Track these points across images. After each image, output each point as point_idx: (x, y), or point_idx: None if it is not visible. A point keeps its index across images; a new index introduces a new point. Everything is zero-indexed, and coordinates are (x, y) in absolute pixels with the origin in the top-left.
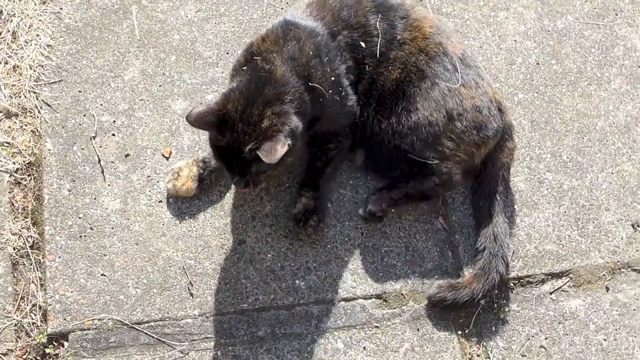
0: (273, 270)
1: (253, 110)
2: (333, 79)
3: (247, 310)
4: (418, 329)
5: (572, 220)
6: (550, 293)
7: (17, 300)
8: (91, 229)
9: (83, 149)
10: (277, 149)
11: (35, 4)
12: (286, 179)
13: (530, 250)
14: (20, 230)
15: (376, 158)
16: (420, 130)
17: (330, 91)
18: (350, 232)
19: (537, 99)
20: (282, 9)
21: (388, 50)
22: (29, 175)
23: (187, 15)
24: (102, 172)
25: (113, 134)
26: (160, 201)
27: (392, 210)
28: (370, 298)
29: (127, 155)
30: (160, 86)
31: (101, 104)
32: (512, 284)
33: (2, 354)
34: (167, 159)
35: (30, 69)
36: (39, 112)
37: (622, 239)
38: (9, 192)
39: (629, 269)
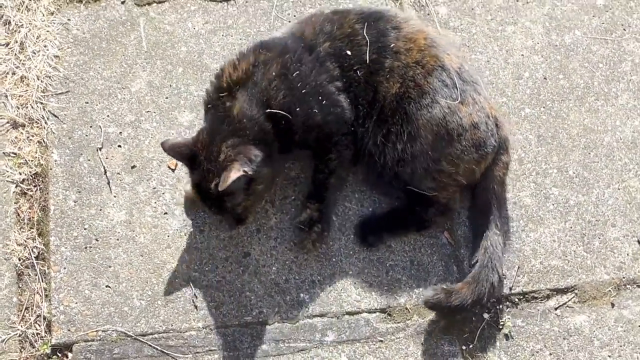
0: (277, 283)
1: (213, 148)
2: (306, 90)
3: (251, 323)
4: (422, 344)
5: (578, 235)
6: (555, 309)
7: (21, 310)
8: (96, 240)
9: (89, 160)
10: (229, 176)
11: (44, 15)
12: (292, 191)
13: (535, 266)
14: (25, 241)
15: (375, 176)
16: (423, 157)
17: (304, 105)
18: (355, 246)
19: (544, 114)
20: (289, 21)
21: (381, 58)
22: (35, 186)
23: (194, 28)
24: (108, 183)
25: (119, 145)
26: (166, 213)
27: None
28: (375, 312)
29: (133, 167)
30: (167, 98)
31: (108, 115)
32: (517, 299)
33: None
34: (173, 170)
35: (38, 79)
36: (45, 122)
37: (627, 255)
38: (15, 203)
39: (635, 286)
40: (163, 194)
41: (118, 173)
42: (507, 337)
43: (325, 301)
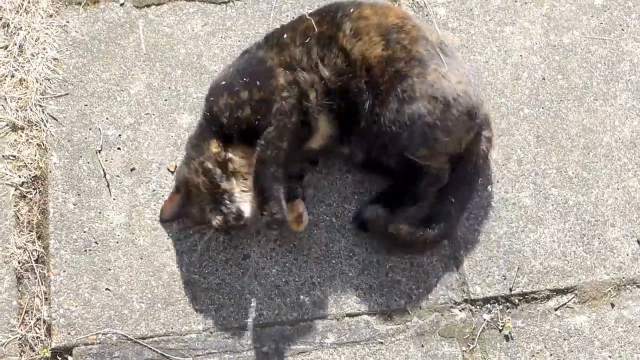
0: (277, 285)
1: None
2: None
3: (251, 325)
4: (422, 345)
5: (578, 236)
6: (555, 309)
7: (21, 314)
8: (96, 243)
9: (88, 162)
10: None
11: (42, 17)
12: None
13: (535, 267)
14: (25, 244)
15: (368, 151)
16: (420, 121)
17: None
18: (354, 248)
19: (542, 114)
20: None
21: (341, 21)
22: (34, 189)
23: (193, 29)
24: (108, 186)
25: (119, 148)
26: None
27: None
28: (375, 314)
29: (132, 169)
30: (166, 100)
31: (107, 118)
32: (517, 300)
33: None
34: (173, 173)
35: (37, 82)
36: (44, 125)
37: (627, 255)
38: (14, 206)
39: (634, 286)
40: (163, 196)
41: (117, 175)
42: (507, 338)
43: (325, 303)
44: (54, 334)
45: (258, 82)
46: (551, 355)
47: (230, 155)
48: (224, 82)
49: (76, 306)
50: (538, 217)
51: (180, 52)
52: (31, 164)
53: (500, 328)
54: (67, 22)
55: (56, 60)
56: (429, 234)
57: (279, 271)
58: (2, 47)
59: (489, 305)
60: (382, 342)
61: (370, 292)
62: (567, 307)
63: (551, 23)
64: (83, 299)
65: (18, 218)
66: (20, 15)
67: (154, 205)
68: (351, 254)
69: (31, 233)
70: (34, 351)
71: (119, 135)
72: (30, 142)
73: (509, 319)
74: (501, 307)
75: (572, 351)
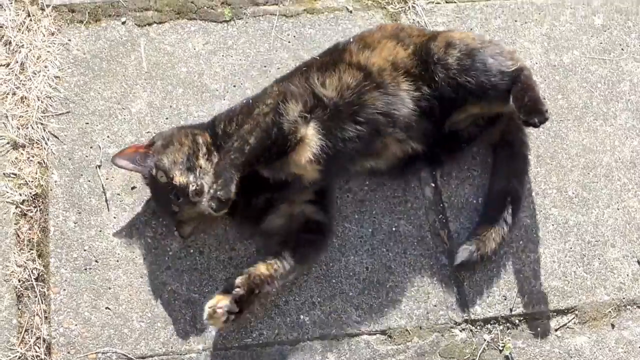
0: (277, 304)
1: None
2: None
3: (251, 345)
4: None
5: (578, 256)
6: (556, 330)
7: (21, 332)
8: (96, 261)
9: (89, 180)
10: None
11: (44, 35)
12: None
13: (535, 287)
14: (25, 262)
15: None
16: (490, 56)
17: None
18: (355, 267)
19: (542, 134)
20: (289, 42)
21: (344, 47)
22: (35, 207)
23: (194, 48)
24: (108, 204)
25: None
26: (166, 234)
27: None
28: (375, 334)
29: (133, 188)
30: (167, 118)
31: (108, 136)
32: (517, 321)
33: None
34: None
35: (38, 100)
36: (46, 143)
37: (627, 275)
38: (14, 224)
39: (635, 306)
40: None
41: (118, 194)
42: (507, 358)
43: (326, 323)
44: (54, 352)
45: (251, 100)
46: None
47: (215, 154)
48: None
49: (76, 325)
50: (538, 237)
51: (181, 71)
52: (32, 182)
53: (501, 348)
54: (69, 40)
55: (58, 78)
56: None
57: (278, 290)
58: (3, 65)
59: (489, 326)
60: None
61: (371, 312)
62: (568, 327)
63: (551, 43)
64: (83, 317)
65: (18, 236)
66: (22, 33)
67: (154, 223)
68: (351, 274)
69: (31, 251)
70: None
71: None
72: (31, 160)
73: (509, 340)
74: (501, 327)
75: None
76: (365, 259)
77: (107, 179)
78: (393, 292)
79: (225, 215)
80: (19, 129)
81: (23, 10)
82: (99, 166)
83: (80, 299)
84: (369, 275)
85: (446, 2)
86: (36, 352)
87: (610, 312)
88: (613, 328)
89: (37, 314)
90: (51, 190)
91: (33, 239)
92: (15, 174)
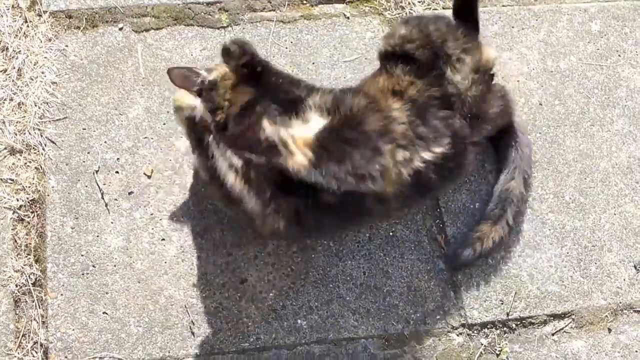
0: (275, 309)
1: None
2: None
3: (248, 349)
4: None
5: (575, 261)
6: (553, 334)
7: (18, 337)
8: (93, 266)
9: (86, 186)
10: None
11: (41, 41)
12: None
13: (532, 291)
14: (22, 267)
15: None
16: None
17: None
18: (352, 272)
19: (539, 139)
20: (286, 48)
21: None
22: (32, 212)
23: (192, 54)
24: (106, 209)
25: (117, 172)
26: (163, 239)
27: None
28: (372, 338)
29: (130, 193)
30: (164, 124)
31: (105, 142)
32: (514, 325)
33: None
34: (149, 177)
35: (35, 105)
36: (43, 149)
37: (624, 280)
38: (12, 229)
39: (631, 311)
40: (160, 220)
41: (115, 199)
42: None
43: (323, 327)
44: (51, 357)
45: None
46: None
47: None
48: None
49: (73, 330)
50: (535, 242)
51: None
52: (29, 187)
53: (498, 353)
54: (66, 46)
55: (55, 84)
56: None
57: (276, 295)
58: (1, 71)
59: (486, 330)
60: None
61: (368, 316)
62: (564, 332)
63: (548, 49)
64: (80, 322)
65: (16, 241)
66: (20, 39)
67: (152, 229)
68: (349, 278)
69: (29, 256)
70: None
71: (117, 158)
72: (28, 166)
73: (506, 344)
74: (498, 331)
75: None
76: (363, 263)
77: (104, 184)
78: (390, 297)
79: None
80: (16, 134)
81: (20, 17)
82: (97, 171)
83: (77, 303)
84: (366, 280)
85: (443, 8)
86: (33, 357)
87: (607, 316)
88: (610, 332)
89: (34, 319)
90: (48, 195)
91: (30, 244)
92: (13, 180)
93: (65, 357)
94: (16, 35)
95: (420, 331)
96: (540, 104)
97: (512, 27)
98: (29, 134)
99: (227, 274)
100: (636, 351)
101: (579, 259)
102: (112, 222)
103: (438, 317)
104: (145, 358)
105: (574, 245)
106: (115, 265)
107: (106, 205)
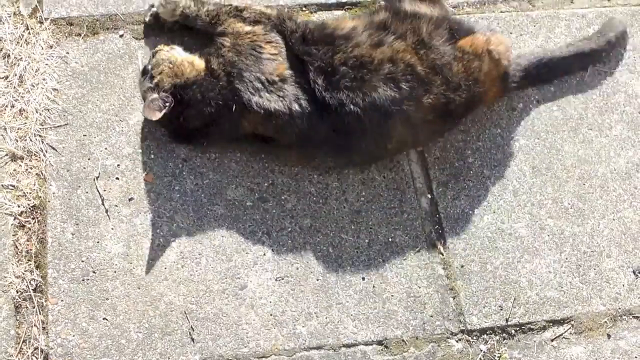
0: (274, 315)
1: None
2: None
3: (248, 355)
4: None
5: (574, 266)
6: (552, 340)
7: (19, 343)
8: (94, 272)
9: (87, 192)
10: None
11: (43, 48)
12: (288, 223)
13: (531, 297)
14: (23, 273)
15: None
16: None
17: None
18: (351, 278)
19: (538, 145)
20: None
21: None
22: (33, 218)
23: None
24: (106, 215)
25: (117, 178)
26: (163, 245)
27: None
28: (372, 344)
29: (130, 199)
30: (164, 130)
31: (106, 148)
32: (513, 331)
33: None
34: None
35: (36, 112)
36: (44, 155)
37: (623, 285)
38: (13, 235)
39: (631, 316)
40: (160, 226)
41: (116, 205)
42: None
43: (322, 333)
44: None
45: None
46: None
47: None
48: None
49: (74, 336)
50: (534, 248)
51: None
52: (30, 193)
53: (497, 359)
54: (67, 53)
55: (56, 90)
56: None
57: (275, 301)
58: (2, 78)
59: (485, 336)
60: None
61: (367, 322)
62: (564, 337)
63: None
64: (80, 328)
65: (17, 247)
66: (21, 46)
67: (152, 235)
68: (348, 284)
69: (29, 262)
70: None
71: (118, 165)
72: (29, 172)
73: (505, 350)
74: (498, 337)
75: None
76: (362, 269)
77: (104, 190)
78: (389, 303)
79: None
80: (17, 141)
81: (22, 24)
82: (97, 178)
83: (78, 309)
84: (365, 286)
85: None
86: None
87: (606, 322)
88: (609, 338)
89: (35, 325)
90: (49, 201)
91: (31, 250)
92: (14, 186)
93: None
94: (18, 42)
95: (420, 337)
96: (539, 110)
97: (511, 33)
98: (30, 140)
99: (227, 279)
100: (635, 357)
101: (578, 264)
102: (112, 228)
103: (437, 323)
104: None
105: (573, 251)
106: (115, 271)
107: (106, 211)
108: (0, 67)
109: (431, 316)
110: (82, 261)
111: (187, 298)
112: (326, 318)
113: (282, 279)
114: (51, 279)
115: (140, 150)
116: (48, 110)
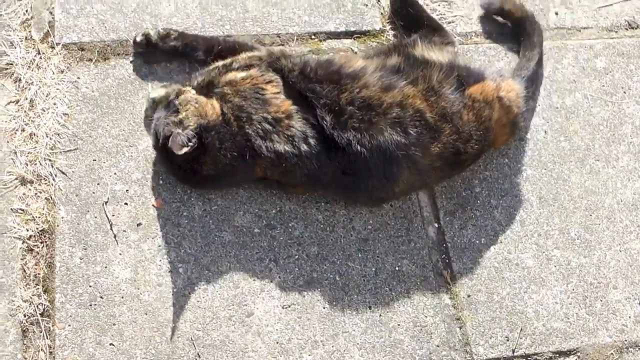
0: (280, 343)
1: None
2: None
3: None
4: None
5: (580, 298)
6: None
7: None
8: (101, 297)
9: (96, 217)
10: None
11: (54, 73)
12: (295, 251)
13: (538, 328)
14: (31, 298)
15: None
16: None
17: None
18: (358, 306)
19: (545, 176)
20: None
21: None
22: (41, 243)
23: None
24: (114, 240)
25: (126, 203)
26: (171, 271)
27: None
28: None
29: (139, 224)
30: (171, 170)
31: (115, 173)
32: None
33: None
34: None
35: (47, 136)
36: (53, 179)
37: (629, 317)
38: (21, 259)
39: (637, 348)
40: (168, 252)
41: (124, 230)
42: None
43: None
44: None
45: None
46: None
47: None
48: None
49: None
50: (541, 278)
51: None
52: (39, 217)
53: None
54: (78, 78)
55: (66, 115)
56: None
57: (282, 329)
58: (13, 102)
59: None
60: None
61: (374, 351)
62: None
63: (554, 85)
64: (87, 353)
65: (25, 271)
66: (32, 70)
67: (160, 260)
68: (354, 313)
69: (37, 286)
70: None
71: (126, 190)
72: (38, 196)
73: None
74: None
75: None
76: (369, 298)
77: (113, 215)
78: (396, 332)
79: None
80: (27, 165)
81: (33, 48)
82: (106, 202)
83: (84, 334)
84: (371, 315)
85: None
86: None
87: (612, 354)
88: None
89: (42, 349)
90: (58, 226)
91: (39, 274)
92: (23, 210)
93: None
94: (29, 66)
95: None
96: (546, 140)
97: None
98: (40, 164)
99: (233, 306)
100: None
101: (584, 295)
102: (120, 254)
103: (444, 353)
104: None
105: (580, 282)
106: (122, 297)
107: (115, 236)
108: (11, 91)
109: (437, 346)
110: (90, 286)
111: (194, 324)
112: (332, 346)
113: (289, 306)
114: (59, 304)
115: (149, 176)
116: (58, 134)
